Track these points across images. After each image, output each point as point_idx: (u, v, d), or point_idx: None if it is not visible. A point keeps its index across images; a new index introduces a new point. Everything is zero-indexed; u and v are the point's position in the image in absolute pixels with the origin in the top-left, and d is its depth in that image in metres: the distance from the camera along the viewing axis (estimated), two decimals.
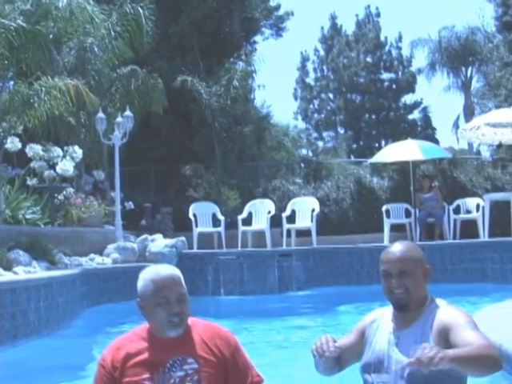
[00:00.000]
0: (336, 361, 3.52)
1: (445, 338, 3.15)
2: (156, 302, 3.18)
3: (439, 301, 3.35)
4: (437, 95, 51.54)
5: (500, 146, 20.03)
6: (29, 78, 14.62)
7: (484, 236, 15.34)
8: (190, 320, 3.29)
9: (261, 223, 15.94)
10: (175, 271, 3.27)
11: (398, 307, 3.33)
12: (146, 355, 3.20)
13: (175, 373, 3.11)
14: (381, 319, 3.44)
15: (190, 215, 15.77)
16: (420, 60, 50.78)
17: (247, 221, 16.09)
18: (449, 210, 16.21)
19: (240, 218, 15.88)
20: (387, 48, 45.33)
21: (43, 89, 13.91)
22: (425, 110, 44.29)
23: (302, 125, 47.42)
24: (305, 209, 16.10)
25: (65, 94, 14.02)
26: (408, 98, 44.99)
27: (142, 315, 3.25)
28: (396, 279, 3.28)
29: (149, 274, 3.27)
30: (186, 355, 3.15)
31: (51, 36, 15.38)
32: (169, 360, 3.14)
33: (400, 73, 44.92)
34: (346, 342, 3.56)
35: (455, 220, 16.14)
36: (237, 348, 3.28)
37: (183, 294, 3.19)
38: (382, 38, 45.39)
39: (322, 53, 47.53)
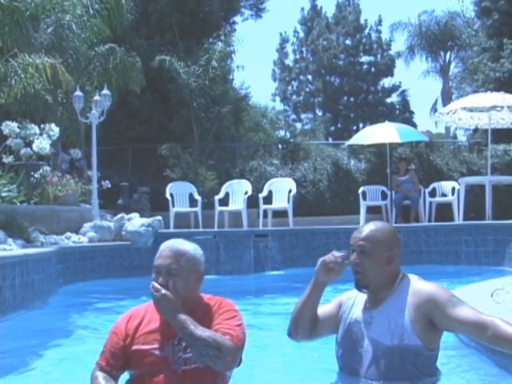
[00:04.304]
0: (311, 321, 3.55)
1: (423, 312, 3.20)
2: (153, 270, 3.29)
3: (411, 276, 3.40)
4: (415, 79, 51.78)
5: (476, 130, 20.20)
6: (5, 54, 14.49)
7: (459, 219, 15.47)
8: (200, 296, 3.40)
9: (238, 204, 15.97)
10: (184, 246, 3.32)
11: (357, 287, 3.42)
12: (158, 326, 3.27)
13: (182, 345, 3.18)
14: (356, 298, 3.49)
15: (167, 195, 15.75)
16: (399, 44, 50.93)
17: (224, 201, 16.11)
18: (425, 192, 16.33)
19: (217, 198, 15.89)
20: (367, 31, 45.39)
21: (20, 66, 13.80)
22: (403, 94, 44.47)
23: (280, 106, 47.47)
24: (282, 190, 16.14)
25: (41, 72, 13.92)
26: (387, 82, 45.23)
27: None
28: (356, 256, 3.33)
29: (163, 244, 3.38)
30: None
31: (28, 13, 15.28)
32: (178, 333, 3.20)
33: (379, 56, 45.01)
34: (325, 310, 3.59)
35: (431, 203, 16.27)
36: (228, 309, 3.32)
37: (174, 268, 3.23)
38: (362, 21, 45.44)
39: (301, 34, 47.49)
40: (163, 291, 3.15)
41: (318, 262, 3.50)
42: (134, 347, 3.25)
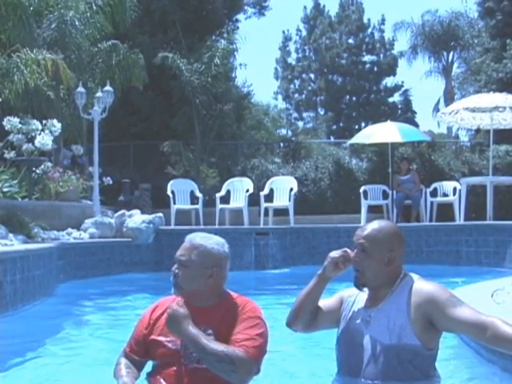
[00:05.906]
0: (311, 313, 3.55)
1: (422, 312, 3.20)
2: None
3: (412, 275, 3.40)
4: (418, 79, 51.82)
5: (478, 130, 20.16)
6: (8, 49, 14.51)
7: (460, 219, 15.46)
8: (226, 294, 3.38)
9: (239, 201, 15.97)
10: (202, 240, 3.35)
11: (355, 285, 3.43)
12: None
13: None
14: (357, 296, 3.49)
15: (169, 192, 15.76)
16: (402, 43, 50.89)
17: (225, 199, 16.11)
18: (426, 192, 16.32)
19: (218, 195, 15.89)
20: (370, 30, 45.36)
21: (22, 61, 13.81)
22: (405, 94, 44.46)
23: (282, 105, 47.47)
24: (283, 188, 16.14)
25: (43, 67, 13.93)
26: (389, 81, 45.18)
27: None
28: (356, 254, 3.34)
29: None
30: (207, 326, 3.19)
31: (32, 8, 15.29)
32: None
33: (382, 55, 44.98)
34: (325, 304, 3.59)
35: (432, 203, 16.27)
36: (250, 316, 3.26)
37: (185, 260, 3.29)
38: (365, 20, 45.41)
39: (304, 33, 47.46)
40: (174, 307, 3.16)
41: (327, 258, 3.52)
42: (152, 337, 3.30)
